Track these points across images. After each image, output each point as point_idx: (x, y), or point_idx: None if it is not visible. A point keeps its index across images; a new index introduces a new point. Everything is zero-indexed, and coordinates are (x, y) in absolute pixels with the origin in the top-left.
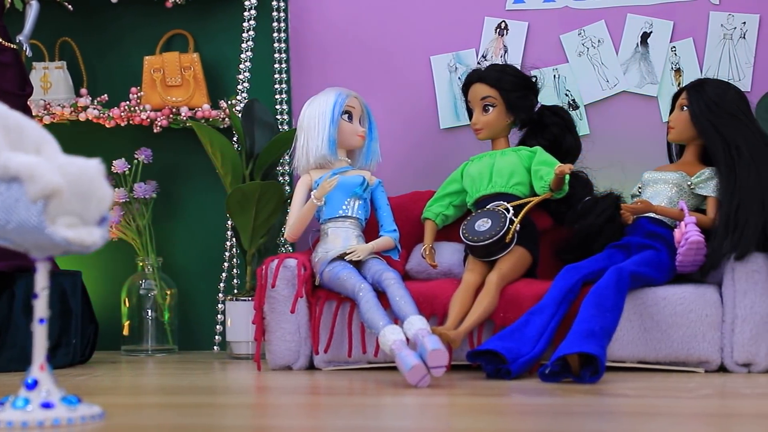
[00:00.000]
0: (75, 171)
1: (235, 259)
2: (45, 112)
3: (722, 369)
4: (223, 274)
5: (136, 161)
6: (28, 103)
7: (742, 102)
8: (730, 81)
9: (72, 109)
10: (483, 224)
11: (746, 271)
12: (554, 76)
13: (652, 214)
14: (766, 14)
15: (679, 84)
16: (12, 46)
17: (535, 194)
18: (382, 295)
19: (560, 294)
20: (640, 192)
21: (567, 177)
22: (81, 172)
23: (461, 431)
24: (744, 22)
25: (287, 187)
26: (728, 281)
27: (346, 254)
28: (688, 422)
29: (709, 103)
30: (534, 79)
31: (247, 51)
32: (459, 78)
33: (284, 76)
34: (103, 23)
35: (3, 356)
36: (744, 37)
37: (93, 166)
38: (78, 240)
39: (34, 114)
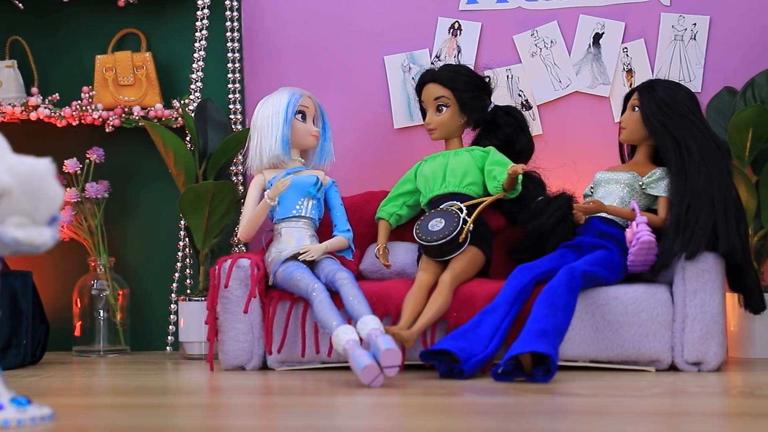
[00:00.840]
0: (25, 170)
1: (188, 259)
2: None
3: (673, 368)
4: (176, 275)
5: (87, 161)
6: None
7: (692, 103)
8: (681, 82)
9: (23, 108)
10: (436, 224)
11: (696, 271)
12: (507, 76)
13: (604, 214)
14: (716, 16)
15: (630, 84)
16: None
17: (488, 194)
18: (335, 295)
19: (513, 294)
20: (592, 192)
21: (520, 177)
22: (31, 172)
23: (414, 431)
24: (695, 24)
25: (240, 187)
26: (679, 281)
27: (300, 254)
28: (639, 421)
29: (660, 104)
30: (487, 80)
31: (200, 50)
32: (413, 78)
33: (237, 75)
34: (55, 22)
35: None
36: (695, 38)
37: (43, 165)
38: (28, 240)
39: None
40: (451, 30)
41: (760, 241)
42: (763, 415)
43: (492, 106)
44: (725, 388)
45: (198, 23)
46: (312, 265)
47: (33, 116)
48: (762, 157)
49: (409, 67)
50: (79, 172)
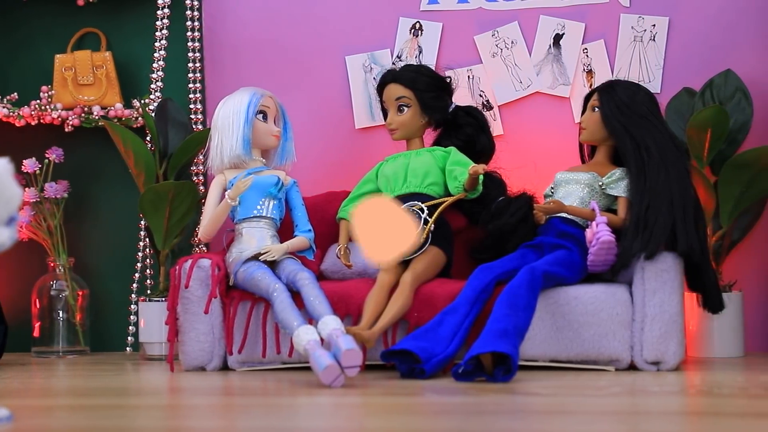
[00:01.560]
0: None
1: (148, 260)
2: None
3: (632, 367)
4: (136, 275)
5: (47, 161)
6: None
7: (652, 103)
8: (640, 82)
9: None
10: None
11: (656, 271)
12: (468, 76)
13: (564, 214)
14: (675, 17)
15: (590, 85)
16: None
17: (449, 194)
18: (296, 295)
19: (474, 293)
20: (552, 192)
21: (481, 177)
22: None
23: (375, 431)
24: (654, 25)
25: (201, 187)
26: (638, 280)
27: (261, 254)
28: (599, 420)
29: (620, 105)
30: (448, 80)
31: (160, 50)
32: (374, 78)
33: (198, 75)
34: (14, 21)
35: None
36: (654, 39)
37: (1, 165)
38: None
39: None
40: (413, 30)
41: (718, 241)
42: (721, 414)
43: (453, 106)
44: (684, 387)
45: (158, 23)
46: (273, 265)
47: None
48: (720, 157)
49: (371, 68)
50: (38, 171)
